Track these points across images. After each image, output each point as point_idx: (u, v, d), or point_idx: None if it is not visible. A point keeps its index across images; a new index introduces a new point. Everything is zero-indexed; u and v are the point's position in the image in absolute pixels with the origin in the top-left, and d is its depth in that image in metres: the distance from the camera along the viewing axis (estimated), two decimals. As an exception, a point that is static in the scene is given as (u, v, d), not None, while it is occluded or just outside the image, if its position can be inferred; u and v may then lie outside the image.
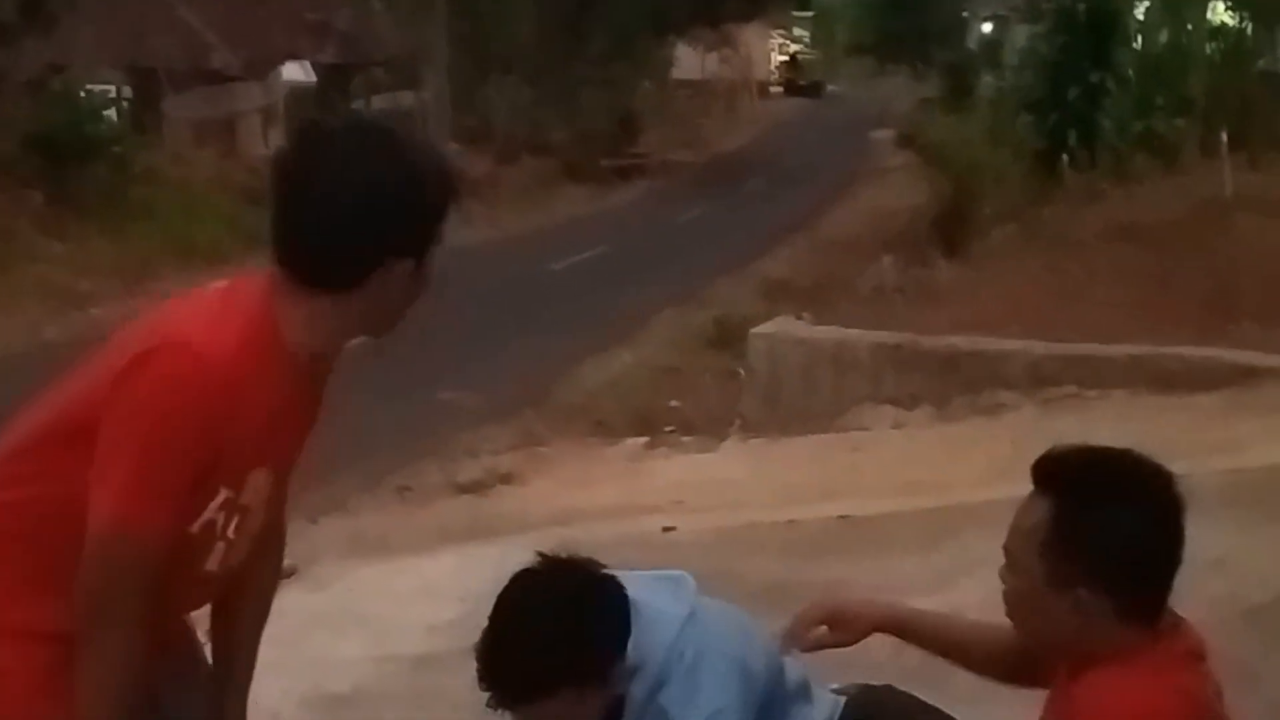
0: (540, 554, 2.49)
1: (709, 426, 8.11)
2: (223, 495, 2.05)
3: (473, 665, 4.75)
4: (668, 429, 8.32)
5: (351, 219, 2.02)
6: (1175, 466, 5.96)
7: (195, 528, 2.03)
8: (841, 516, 5.84)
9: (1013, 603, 2.24)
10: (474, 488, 7.32)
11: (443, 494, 7.34)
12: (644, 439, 8.05)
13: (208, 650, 2.38)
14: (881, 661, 4.38)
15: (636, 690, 2.48)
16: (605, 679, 2.40)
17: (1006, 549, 2.23)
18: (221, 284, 2.14)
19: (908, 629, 2.61)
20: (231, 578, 2.19)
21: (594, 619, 2.40)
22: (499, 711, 2.41)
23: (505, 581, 5.19)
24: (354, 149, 2.06)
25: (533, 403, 9.58)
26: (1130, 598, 2.16)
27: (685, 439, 7.95)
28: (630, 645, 2.44)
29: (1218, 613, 4.44)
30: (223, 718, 2.36)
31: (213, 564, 2.12)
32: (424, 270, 2.11)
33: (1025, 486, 2.23)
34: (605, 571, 2.46)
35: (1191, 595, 4.55)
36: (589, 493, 6.66)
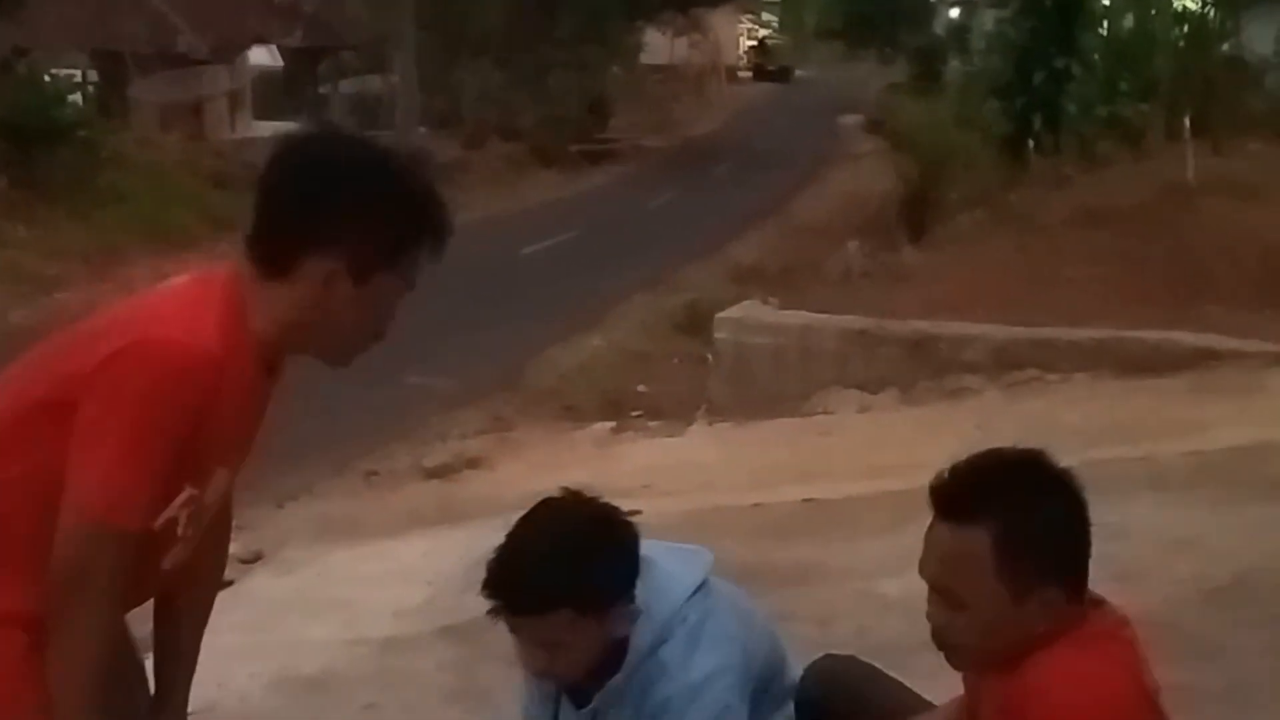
0: (564, 487, 2.56)
1: (677, 411, 8.14)
2: (187, 492, 2.05)
3: (441, 648, 4.80)
4: (635, 413, 8.34)
5: (287, 201, 2.06)
6: (1139, 449, 6.03)
7: (158, 524, 2.03)
8: (808, 500, 5.88)
9: (963, 634, 2.24)
10: (443, 472, 7.34)
11: (411, 478, 7.35)
12: (612, 423, 8.07)
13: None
14: (846, 641, 4.45)
15: (638, 641, 2.56)
16: (604, 613, 2.48)
17: (942, 588, 2.22)
18: (196, 273, 2.14)
19: None
20: (178, 573, 2.19)
21: (602, 549, 2.49)
22: (498, 622, 2.46)
23: (474, 566, 5.22)
24: (332, 151, 2.10)
25: (502, 387, 9.59)
26: (1073, 582, 2.22)
27: (653, 423, 7.97)
28: (638, 596, 2.53)
29: (1183, 592, 4.51)
30: (165, 711, 2.34)
31: (168, 562, 2.13)
32: (370, 293, 2.10)
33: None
34: (624, 518, 2.55)
35: (1157, 575, 4.64)
36: (557, 476, 6.60)
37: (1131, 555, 4.75)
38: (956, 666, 2.35)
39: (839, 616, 4.65)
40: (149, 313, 2.04)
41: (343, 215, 2.05)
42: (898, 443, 6.55)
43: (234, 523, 6.55)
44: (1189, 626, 4.23)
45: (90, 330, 2.07)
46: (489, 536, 6.13)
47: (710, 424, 7.53)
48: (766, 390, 7.56)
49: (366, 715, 4.27)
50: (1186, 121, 13.40)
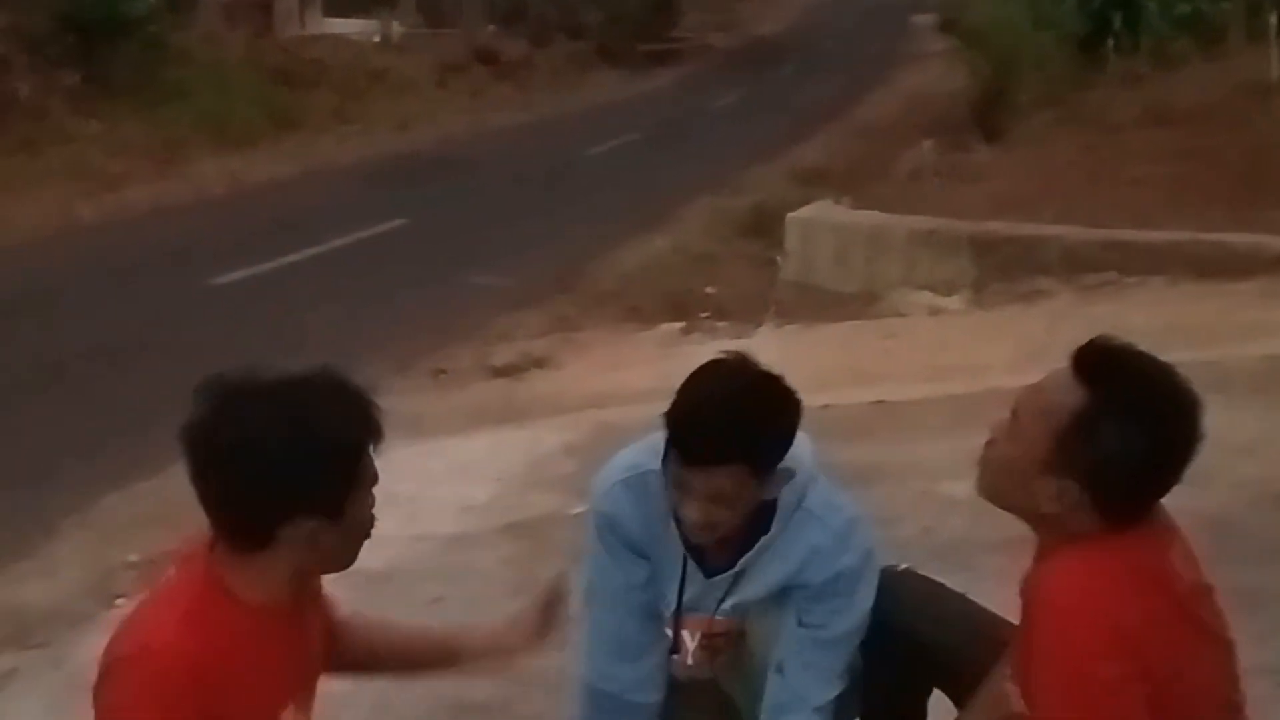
0: (731, 350, 2.64)
1: (744, 312, 8.07)
2: None
3: (504, 544, 4.82)
4: (702, 315, 8.29)
5: (233, 494, 2.11)
6: (1209, 352, 5.96)
7: None
8: (875, 401, 5.84)
9: (996, 466, 2.24)
10: (508, 371, 7.33)
11: (476, 377, 7.35)
12: (679, 324, 8.03)
13: None
14: (909, 540, 4.45)
15: (785, 499, 2.65)
16: (768, 473, 2.56)
17: (1017, 413, 2.21)
18: (176, 567, 2.23)
19: None
20: None
21: (777, 409, 2.56)
22: (673, 470, 2.54)
23: (538, 464, 5.20)
24: (247, 409, 2.12)
25: (566, 288, 9.56)
26: (1116, 503, 2.16)
27: (720, 324, 7.92)
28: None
29: (1248, 495, 4.46)
30: None
31: None
32: (352, 515, 2.17)
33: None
34: (788, 384, 2.60)
35: (1223, 478, 4.59)
36: (622, 377, 6.66)
37: (1199, 458, 4.67)
38: (977, 486, 2.32)
39: (904, 517, 4.64)
40: (126, 629, 2.13)
41: (294, 486, 2.10)
42: (965, 346, 6.48)
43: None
44: (1254, 529, 4.19)
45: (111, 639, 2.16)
46: (553, 435, 6.18)
47: (778, 325, 7.47)
48: (835, 293, 7.48)
49: (432, 609, 4.31)
50: (1272, 19, 13.02)
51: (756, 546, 2.67)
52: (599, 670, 2.85)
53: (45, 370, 7.73)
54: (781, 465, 2.58)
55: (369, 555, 2.30)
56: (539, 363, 7.39)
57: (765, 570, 2.69)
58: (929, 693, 2.85)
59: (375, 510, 2.23)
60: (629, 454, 2.79)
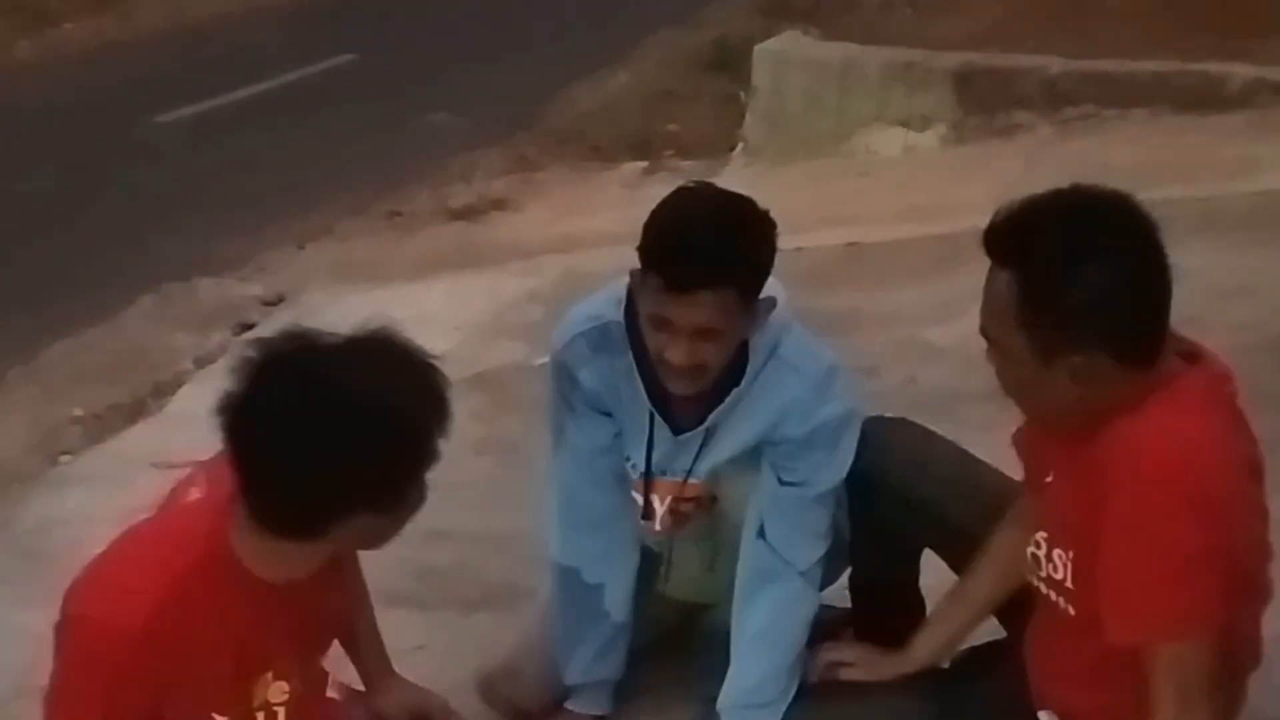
0: (698, 180, 2.53)
1: (709, 151, 7.85)
2: None
3: (471, 397, 4.64)
4: (666, 154, 8.06)
5: (300, 478, 1.85)
6: (1196, 189, 5.76)
7: None
8: (849, 244, 5.66)
9: (1010, 386, 2.11)
10: (466, 213, 7.12)
11: (434, 220, 7.14)
12: (642, 164, 7.80)
13: None
14: (893, 390, 4.29)
15: (757, 345, 2.48)
16: (753, 301, 2.41)
17: (984, 333, 2.08)
18: (172, 510, 2.01)
19: (943, 648, 2.55)
20: None
21: (759, 227, 2.41)
22: (651, 309, 2.40)
23: (502, 311, 4.93)
24: (308, 396, 1.84)
25: (524, 126, 9.27)
26: (1126, 348, 2.01)
27: (685, 164, 7.69)
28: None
29: (1241, 340, 4.28)
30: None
31: None
32: (404, 507, 1.97)
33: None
34: None
35: (1214, 323, 4.43)
36: (585, 219, 6.46)
37: (1188, 301, 4.52)
38: (1033, 424, 2.21)
39: (886, 365, 4.48)
40: (102, 576, 1.97)
41: (350, 486, 1.87)
42: (942, 183, 6.30)
43: (256, 265, 6.36)
44: (1247, 376, 4.02)
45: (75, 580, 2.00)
46: (516, 281, 5.97)
47: (746, 164, 7.26)
48: (805, 129, 7.23)
49: (394, 465, 4.15)
50: None
51: (728, 399, 2.48)
52: (563, 542, 2.68)
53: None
54: (763, 295, 2.42)
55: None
56: (498, 204, 7.17)
57: (739, 426, 2.51)
58: (921, 551, 2.71)
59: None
60: (588, 305, 2.59)
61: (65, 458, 4.59)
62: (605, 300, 2.59)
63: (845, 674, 2.60)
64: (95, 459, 4.54)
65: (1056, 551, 2.20)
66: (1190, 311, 4.46)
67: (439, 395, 1.91)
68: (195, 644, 1.93)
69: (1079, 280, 2.00)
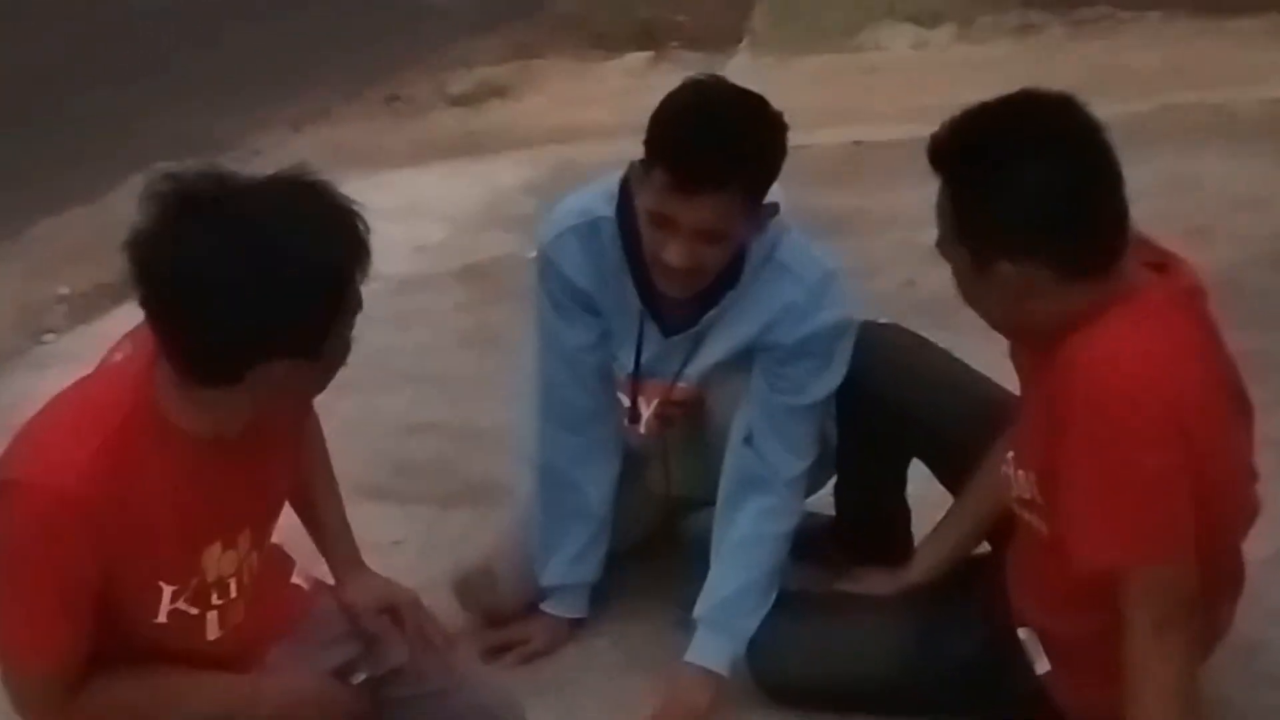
0: (708, 74, 2.46)
1: (716, 42, 7.66)
2: (169, 589, 1.96)
3: (459, 288, 4.58)
4: (672, 44, 7.89)
5: (212, 319, 1.78)
6: (1211, 95, 5.62)
7: (161, 618, 1.98)
8: (855, 142, 5.55)
9: (965, 298, 2.10)
10: (465, 100, 6.96)
11: (433, 106, 6.98)
12: (647, 54, 7.64)
13: None
14: (888, 294, 4.21)
15: (755, 245, 2.41)
16: (758, 202, 2.33)
17: (937, 246, 2.08)
18: (97, 372, 1.98)
19: (943, 564, 2.52)
20: (252, 614, 2.12)
21: (769, 124, 2.34)
22: (652, 206, 2.31)
23: (496, 201, 4.83)
24: (222, 234, 1.76)
25: (527, 12, 9.08)
26: (1066, 257, 1.96)
27: (690, 54, 7.53)
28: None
29: (1253, 252, 4.20)
30: (348, 578, 2.34)
31: (212, 633, 2.06)
32: (328, 352, 1.89)
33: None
34: None
35: (1226, 232, 4.34)
36: (586, 110, 6.33)
37: (1199, 210, 4.46)
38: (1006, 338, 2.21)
39: (885, 268, 4.39)
40: (33, 440, 1.91)
41: (263, 328, 1.79)
42: (951, 83, 6.13)
43: (249, 147, 6.20)
44: (1260, 289, 3.96)
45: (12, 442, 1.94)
46: (512, 171, 5.87)
47: (753, 57, 7.10)
48: (814, 23, 7.06)
49: (381, 356, 4.06)
50: None
51: (722, 302, 2.40)
52: (544, 441, 2.61)
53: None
54: (769, 202, 2.35)
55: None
56: (498, 92, 7.01)
57: (731, 329, 2.44)
58: (908, 461, 2.65)
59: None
60: (578, 198, 2.51)
61: (49, 336, 4.52)
62: (596, 195, 2.51)
63: (840, 585, 2.56)
64: (79, 338, 4.45)
65: (1020, 472, 2.15)
66: (1201, 221, 4.40)
67: (359, 240, 1.85)
68: (132, 504, 1.87)
69: (1009, 185, 1.97)
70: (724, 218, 2.29)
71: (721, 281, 2.41)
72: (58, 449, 1.87)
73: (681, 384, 2.55)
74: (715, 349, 2.50)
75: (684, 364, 2.52)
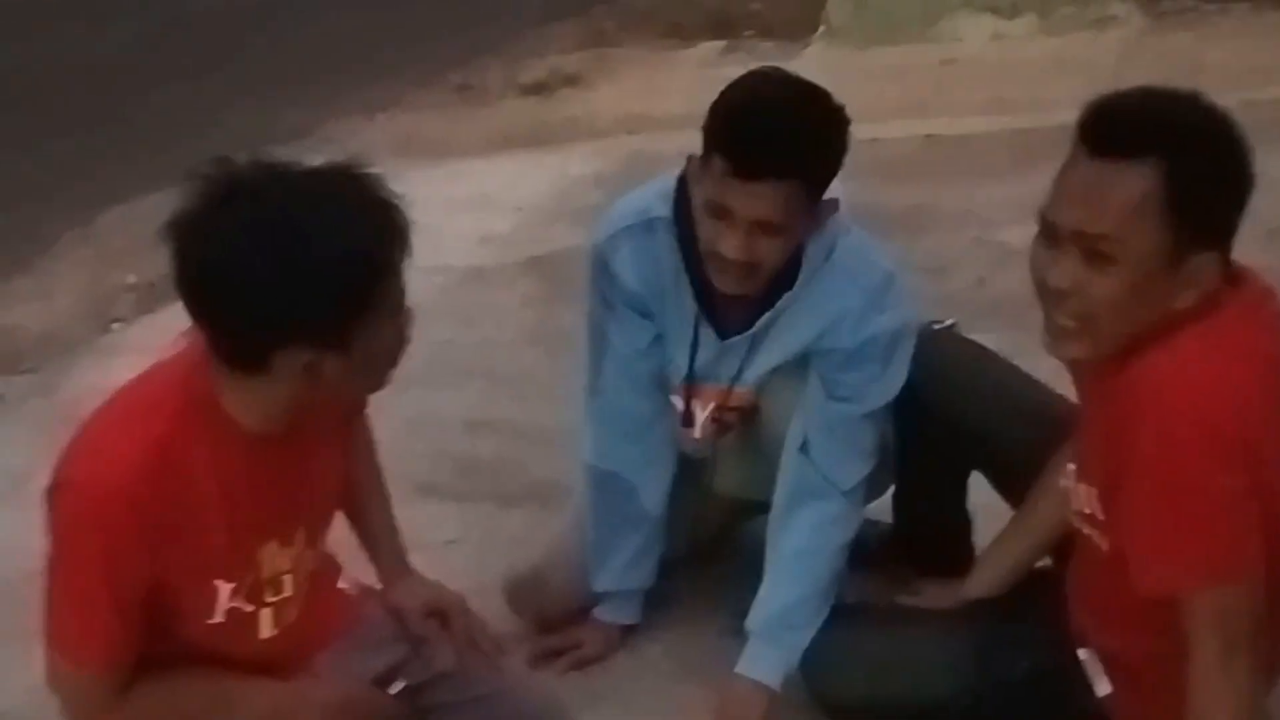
0: (772, 65, 2.41)
1: (791, 32, 7.58)
2: (227, 587, 1.97)
3: (525, 282, 4.56)
4: (747, 33, 7.82)
5: (221, 305, 1.82)
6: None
7: (218, 617, 1.99)
8: (928, 136, 5.45)
9: (1100, 302, 1.91)
10: (537, 89, 6.93)
11: (504, 94, 6.96)
12: (721, 43, 7.57)
13: None
14: (958, 293, 4.13)
15: (812, 251, 2.36)
16: (817, 199, 2.30)
17: (1089, 239, 1.88)
18: (153, 367, 1.98)
19: (1003, 579, 2.45)
20: (305, 615, 2.13)
21: (832, 119, 2.30)
22: (709, 196, 2.28)
23: (565, 193, 4.80)
24: (253, 217, 1.77)
25: (602, 1, 9.05)
26: (1226, 250, 1.91)
27: (765, 44, 7.45)
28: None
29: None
30: (394, 581, 2.33)
31: (265, 631, 2.06)
32: (363, 347, 1.85)
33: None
34: None
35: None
36: (659, 100, 6.26)
37: (1277, 209, 4.34)
38: (1065, 353, 2.01)
39: (956, 266, 4.32)
40: (86, 440, 1.92)
41: (280, 313, 1.78)
42: (1029, 76, 6.05)
43: (323, 135, 6.19)
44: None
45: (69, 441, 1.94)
46: (582, 163, 5.83)
47: (827, 47, 7.01)
48: (889, 13, 6.92)
49: (444, 350, 4.06)
50: None
51: (779, 304, 2.35)
52: (598, 445, 2.58)
53: (42, 81, 7.35)
54: (827, 196, 2.29)
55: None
56: (570, 81, 6.97)
57: (787, 333, 2.39)
58: (969, 472, 2.59)
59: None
60: (633, 199, 2.47)
61: (116, 325, 4.55)
62: (652, 194, 2.46)
63: (898, 598, 2.50)
64: (146, 328, 4.47)
65: (1082, 485, 2.08)
66: (1278, 223, 4.28)
67: (395, 232, 1.85)
68: (184, 498, 1.88)
69: (1213, 170, 1.87)
70: (782, 209, 2.24)
71: (778, 283, 2.37)
72: (109, 445, 1.87)
73: (738, 389, 2.51)
74: (772, 353, 2.45)
75: (740, 368, 2.47)
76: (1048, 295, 1.95)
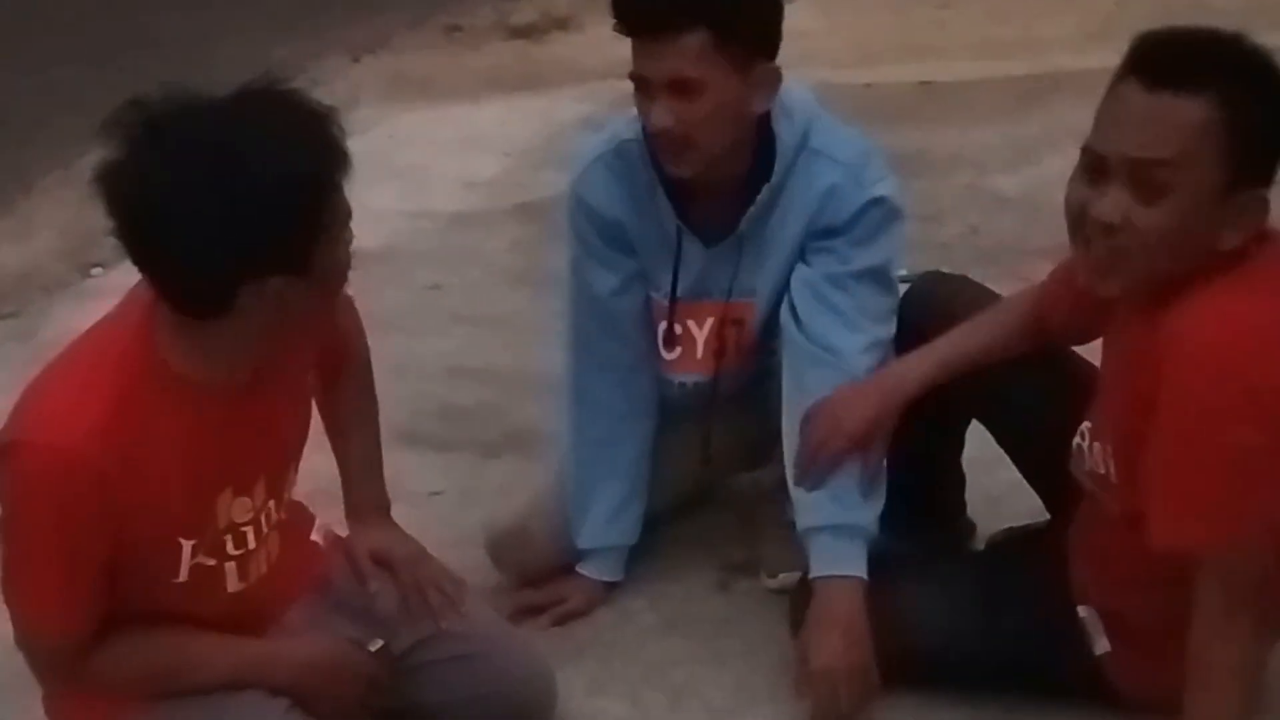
0: None
1: (785, -28, 7.52)
2: (188, 544, 1.92)
3: (512, 226, 4.49)
4: (740, -26, 7.73)
5: (179, 247, 1.71)
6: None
7: (183, 576, 1.93)
8: (922, 82, 5.38)
9: (1147, 233, 1.85)
10: (528, 31, 6.84)
11: (494, 36, 6.86)
12: (713, -16, 7.50)
13: None
14: (952, 241, 4.08)
15: (786, 137, 2.28)
16: (744, 58, 2.21)
17: (1143, 169, 1.82)
18: (101, 327, 1.91)
19: (936, 379, 2.33)
20: (274, 568, 2.08)
21: None
22: (635, 39, 2.22)
23: (554, 137, 4.70)
24: (193, 156, 1.70)
25: (596, -60, 8.94)
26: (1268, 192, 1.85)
27: (757, -15, 7.37)
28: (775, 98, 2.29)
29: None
30: (359, 512, 2.29)
31: (232, 585, 2.01)
32: (320, 266, 1.81)
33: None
34: None
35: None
36: (650, 40, 6.20)
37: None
38: (1107, 288, 1.94)
39: (950, 212, 4.26)
40: (36, 399, 1.85)
41: (245, 241, 1.71)
42: (1025, 17, 5.97)
43: (309, 76, 6.08)
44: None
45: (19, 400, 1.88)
46: (571, 106, 5.74)
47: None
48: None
49: (429, 296, 4.01)
50: None
51: (759, 197, 2.29)
52: (579, 394, 2.53)
53: (27, 13, 7.24)
54: (773, 65, 2.22)
55: (364, 233, 1.93)
56: (560, 24, 6.87)
57: (778, 228, 2.33)
58: (967, 423, 2.54)
59: (355, 232, 1.86)
60: (601, 131, 2.44)
61: (96, 270, 4.47)
62: (620, 122, 2.44)
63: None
64: (126, 272, 4.34)
65: (1097, 445, 2.04)
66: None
67: (334, 145, 1.78)
68: (140, 458, 1.82)
69: (1268, 103, 1.84)
70: (690, 63, 2.16)
71: (755, 177, 2.31)
72: (62, 406, 1.81)
73: (738, 299, 2.43)
74: (766, 252, 2.37)
75: (734, 275, 2.41)
76: (1091, 229, 1.89)
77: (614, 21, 2.20)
